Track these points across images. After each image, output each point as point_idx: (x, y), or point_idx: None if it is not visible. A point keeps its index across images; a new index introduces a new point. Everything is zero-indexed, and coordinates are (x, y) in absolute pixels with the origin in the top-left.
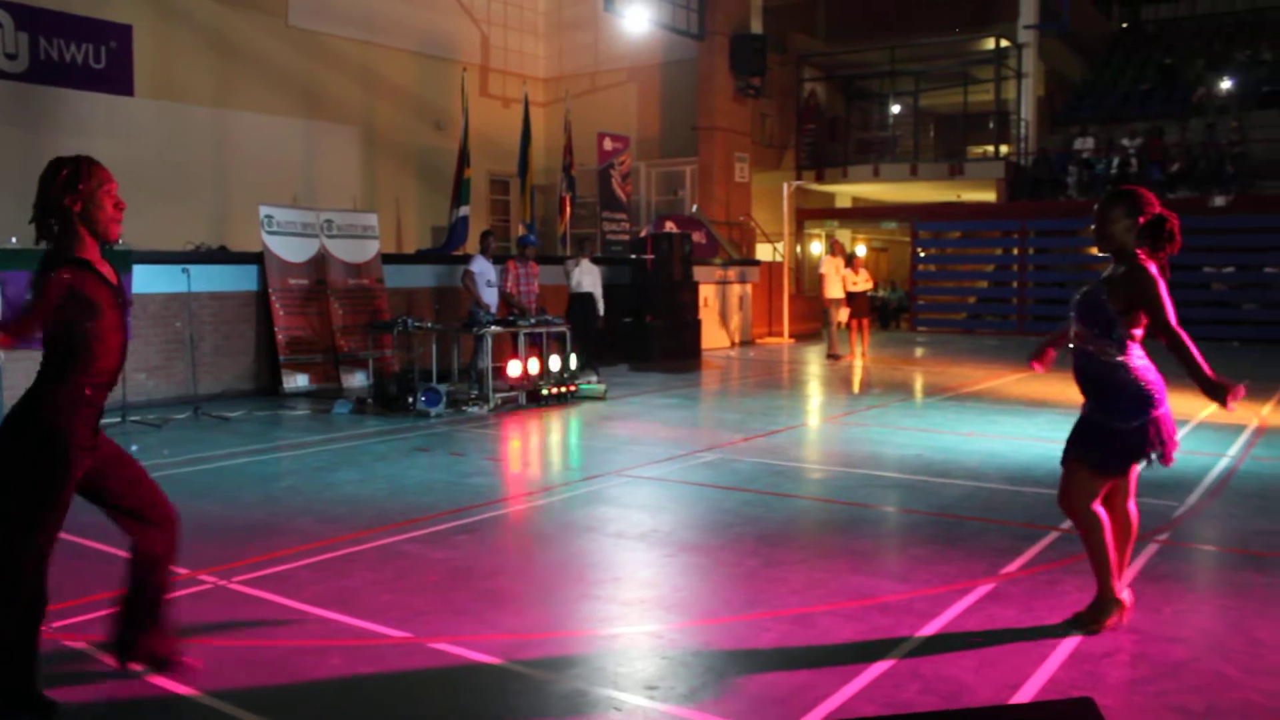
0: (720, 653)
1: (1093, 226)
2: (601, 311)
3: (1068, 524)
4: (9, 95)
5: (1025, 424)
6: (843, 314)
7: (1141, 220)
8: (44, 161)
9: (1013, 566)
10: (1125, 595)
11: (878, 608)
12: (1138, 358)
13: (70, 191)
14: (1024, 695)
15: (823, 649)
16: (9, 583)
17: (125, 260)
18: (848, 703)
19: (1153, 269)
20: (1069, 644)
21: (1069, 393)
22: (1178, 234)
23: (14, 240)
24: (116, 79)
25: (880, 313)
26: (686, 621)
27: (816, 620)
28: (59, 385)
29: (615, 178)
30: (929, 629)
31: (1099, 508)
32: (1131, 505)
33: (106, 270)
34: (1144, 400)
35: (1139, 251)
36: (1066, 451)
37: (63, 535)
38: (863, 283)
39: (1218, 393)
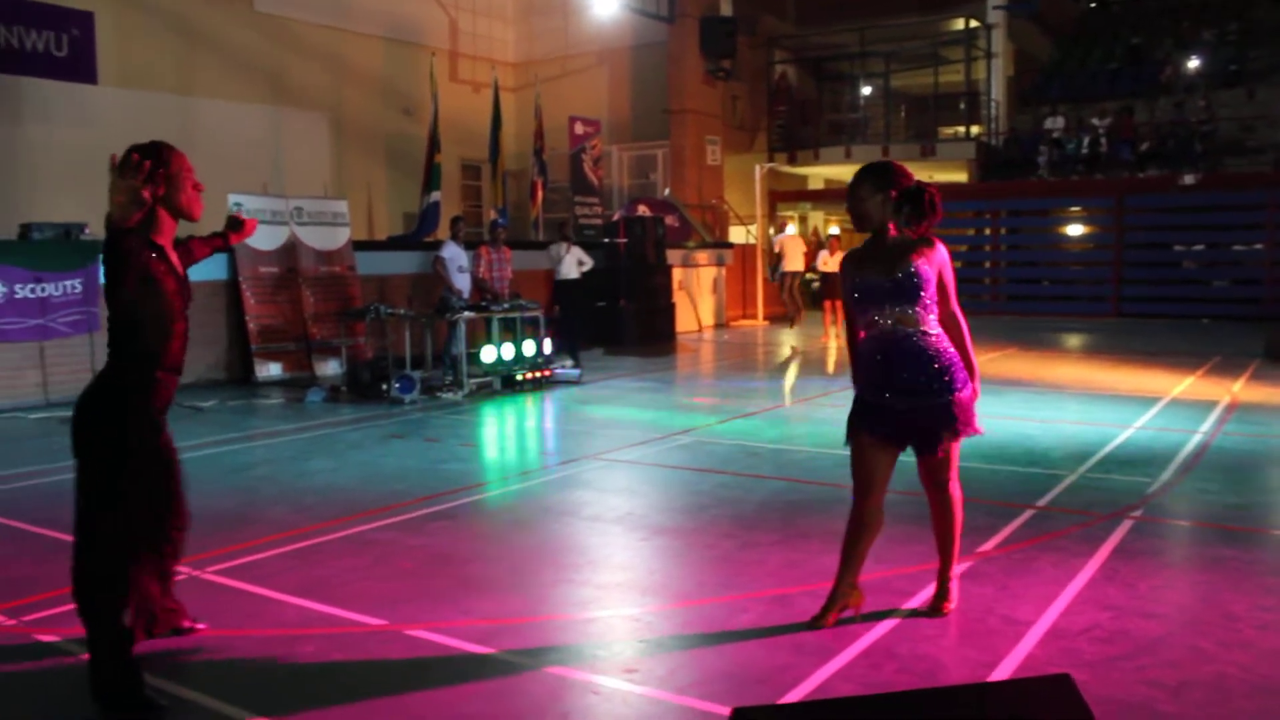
0: (698, 635)
1: (847, 206)
2: (589, 265)
3: (1043, 501)
4: None
5: (999, 403)
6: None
7: (894, 194)
8: (7, 152)
9: (988, 545)
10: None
11: None
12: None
13: (151, 178)
14: (1001, 673)
15: (800, 629)
16: (115, 572)
17: (92, 250)
18: (826, 683)
19: (947, 251)
20: (1045, 621)
21: (1040, 371)
22: (939, 204)
23: None
24: (79, 67)
25: None
26: (664, 604)
27: (794, 601)
28: (125, 368)
29: (587, 162)
30: (905, 608)
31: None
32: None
33: (174, 259)
34: (961, 368)
35: (901, 228)
36: (934, 442)
37: (38, 530)
38: (835, 264)
39: (977, 385)
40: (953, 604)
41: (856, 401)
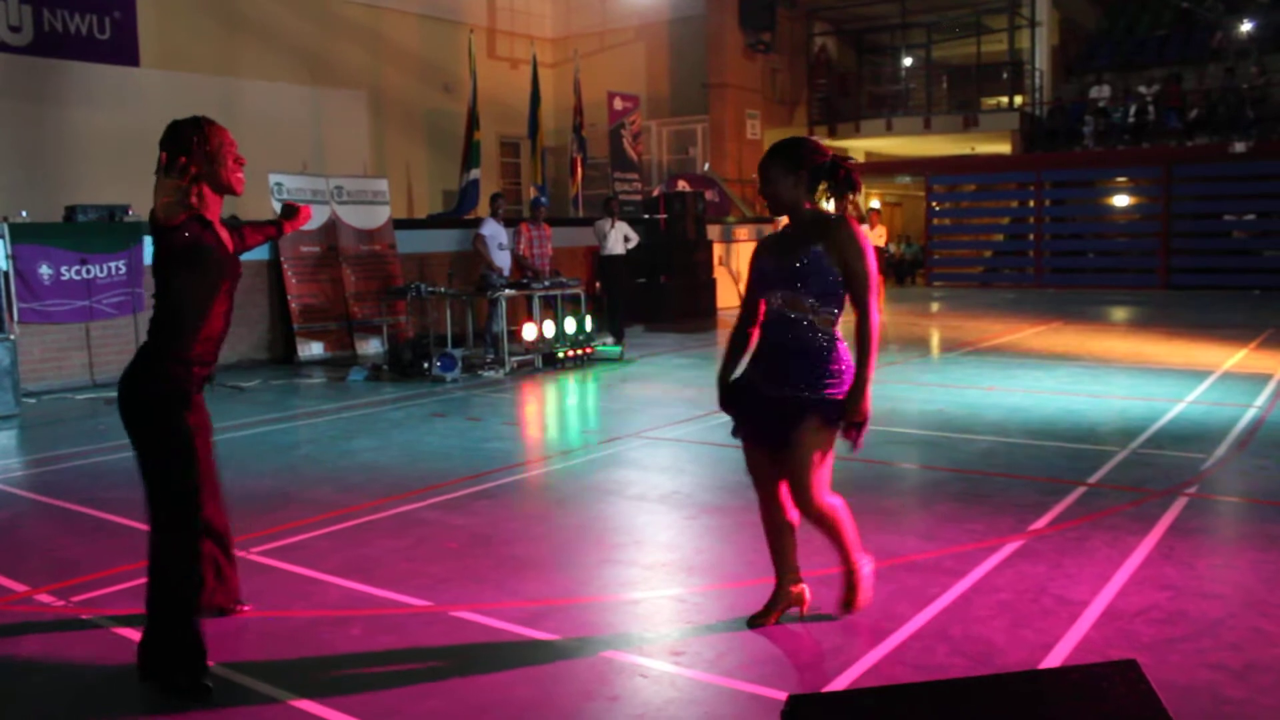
0: (746, 616)
1: (759, 190)
2: (634, 242)
3: (1094, 478)
4: (14, 69)
5: (1046, 377)
6: None
7: (804, 172)
8: (52, 135)
9: (1040, 523)
10: (805, 590)
11: (904, 567)
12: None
13: (197, 154)
14: (1057, 656)
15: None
16: (179, 546)
17: (135, 232)
18: (877, 665)
19: (861, 232)
20: (1101, 602)
21: (1087, 345)
22: (856, 179)
23: (24, 214)
24: (121, 49)
25: (896, 268)
26: (710, 585)
27: (843, 581)
28: (156, 346)
29: (626, 137)
30: (957, 588)
31: (829, 497)
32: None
33: (224, 234)
34: (843, 376)
35: (815, 208)
36: (773, 438)
37: (84, 509)
38: (876, 238)
39: (860, 396)
40: (861, 600)
41: (731, 388)
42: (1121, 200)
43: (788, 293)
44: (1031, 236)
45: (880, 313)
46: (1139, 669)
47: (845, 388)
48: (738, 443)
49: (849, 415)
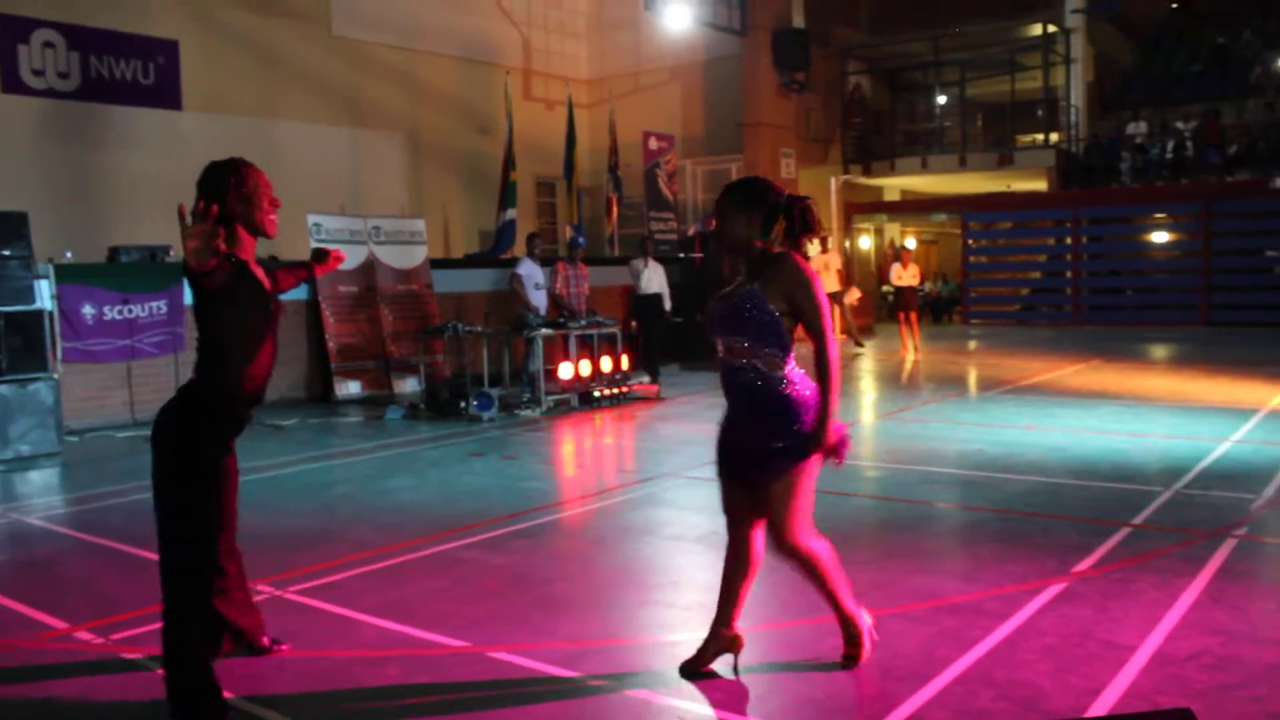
0: (785, 659)
1: (714, 230)
2: (669, 307)
3: (1139, 519)
4: (62, 114)
5: (1086, 416)
6: (848, 298)
7: (758, 212)
8: (96, 177)
9: (1084, 565)
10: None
11: (946, 609)
12: (794, 367)
13: (235, 194)
14: (1105, 702)
15: (891, 654)
16: (186, 585)
17: (176, 272)
18: (919, 711)
19: (808, 267)
20: (1150, 647)
21: (1127, 383)
22: (812, 218)
23: (69, 255)
24: (165, 93)
25: (932, 306)
26: (749, 627)
27: (883, 623)
28: (201, 386)
29: (661, 177)
30: (1000, 631)
31: (812, 540)
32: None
33: (260, 274)
34: (809, 408)
35: (772, 248)
36: (756, 493)
37: (124, 548)
38: (909, 277)
39: (823, 434)
40: (864, 656)
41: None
42: (1160, 237)
43: (726, 338)
44: (1069, 274)
45: (917, 350)
46: (1194, 718)
47: (807, 422)
48: None
49: (811, 449)
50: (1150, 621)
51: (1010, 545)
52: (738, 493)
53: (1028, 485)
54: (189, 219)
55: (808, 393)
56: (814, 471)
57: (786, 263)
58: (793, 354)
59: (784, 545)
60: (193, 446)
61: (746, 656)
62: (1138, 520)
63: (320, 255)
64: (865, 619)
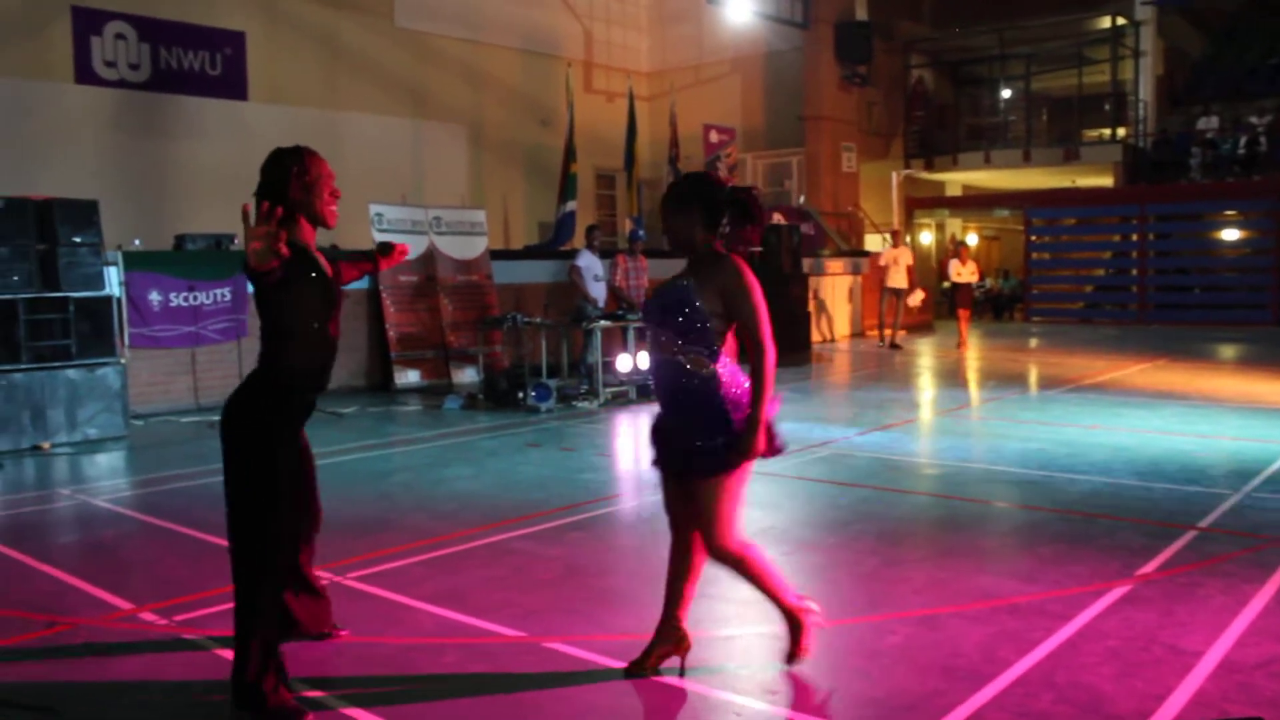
0: (843, 656)
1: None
2: None
3: (1205, 522)
4: (132, 104)
5: (1152, 416)
6: (911, 300)
7: (699, 206)
8: (164, 166)
9: (1149, 567)
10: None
11: (1006, 609)
12: (726, 365)
13: (297, 182)
14: (1170, 708)
15: (950, 653)
16: (261, 574)
17: (239, 261)
18: (978, 711)
19: (747, 270)
20: (1217, 653)
21: (1195, 383)
22: (755, 210)
23: (137, 242)
24: (231, 84)
25: (994, 303)
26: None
27: (943, 622)
28: (266, 374)
29: (722, 170)
30: (1062, 633)
31: (739, 541)
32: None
33: (321, 260)
34: (739, 407)
35: (717, 243)
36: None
37: (188, 531)
38: (968, 274)
39: (750, 441)
40: (807, 646)
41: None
42: (1231, 234)
43: (657, 331)
44: (1135, 271)
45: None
46: None
47: (736, 421)
48: (833, 478)
49: (737, 456)
50: (1218, 627)
51: (1072, 546)
52: (672, 489)
53: (1091, 485)
54: (252, 219)
55: (737, 391)
56: (743, 474)
57: (726, 265)
58: (723, 354)
59: (713, 545)
60: (261, 435)
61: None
62: (1205, 524)
63: (385, 248)
64: (813, 611)
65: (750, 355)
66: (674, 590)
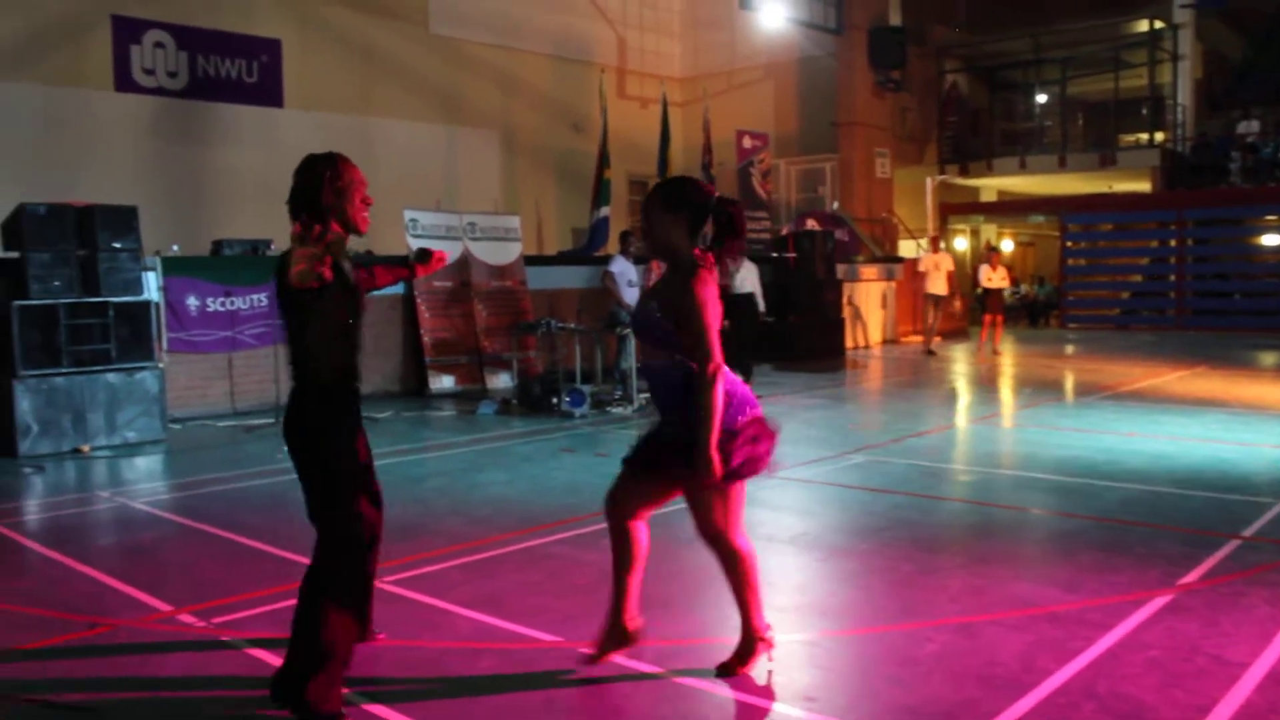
0: (880, 663)
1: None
2: (763, 309)
3: (1249, 531)
4: (170, 111)
5: (1191, 424)
6: (956, 304)
7: (684, 213)
8: (200, 174)
9: (1191, 576)
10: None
11: (1045, 618)
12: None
13: (329, 188)
14: None
15: (988, 661)
16: (340, 581)
17: (273, 265)
18: None
19: (705, 281)
20: (1264, 665)
21: (1235, 390)
22: (740, 222)
23: (175, 248)
24: (267, 91)
25: (1029, 309)
26: (842, 629)
27: (980, 630)
28: (303, 383)
29: (755, 176)
30: (1103, 643)
31: (740, 539)
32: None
33: (348, 270)
34: (730, 408)
35: (696, 251)
36: (670, 473)
37: (225, 534)
38: (999, 280)
39: (703, 463)
40: (748, 668)
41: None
42: (1272, 239)
43: (639, 338)
44: (1172, 277)
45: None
46: None
47: (731, 417)
48: (866, 484)
49: (698, 480)
50: (1263, 638)
51: (1112, 554)
52: (636, 482)
53: (1129, 493)
54: (298, 242)
55: (737, 392)
56: (733, 484)
57: (681, 278)
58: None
59: (715, 533)
60: (315, 439)
61: (842, 660)
62: (1248, 533)
63: (423, 255)
64: (769, 638)
65: (700, 368)
66: (619, 585)
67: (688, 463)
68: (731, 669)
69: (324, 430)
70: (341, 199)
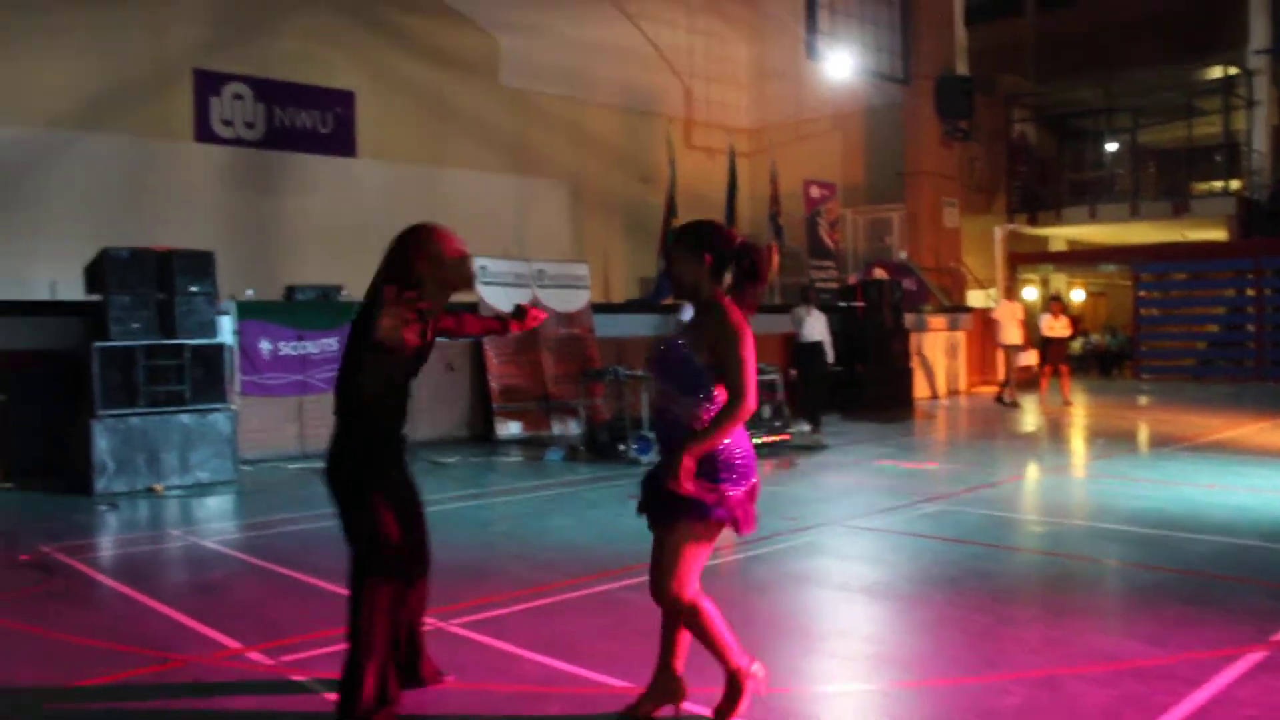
0: (959, 714)
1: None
2: (831, 359)
3: None
4: (247, 161)
5: (1275, 476)
6: (1025, 358)
7: (709, 258)
8: (275, 221)
9: None
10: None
11: (1131, 672)
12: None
13: (423, 256)
14: None
15: (1071, 715)
16: (372, 625)
17: (347, 312)
18: None
19: (737, 318)
20: None
21: None
22: (761, 269)
23: (250, 293)
24: (341, 142)
25: (1100, 360)
26: (917, 680)
27: (1063, 684)
28: (349, 427)
29: (823, 225)
30: (1193, 699)
31: (691, 592)
32: None
33: (428, 326)
34: (731, 470)
35: (718, 294)
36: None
37: (294, 574)
38: (1060, 329)
39: (676, 462)
40: (739, 708)
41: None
42: None
43: (656, 382)
44: (1251, 327)
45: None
46: None
47: (723, 486)
48: (940, 534)
49: (664, 477)
50: None
51: (1198, 608)
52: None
53: (1213, 546)
54: (390, 303)
55: (738, 451)
56: (713, 528)
57: (715, 312)
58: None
59: (662, 588)
60: (354, 486)
61: (912, 713)
62: None
63: (520, 313)
64: (757, 672)
65: (730, 401)
66: (667, 637)
67: (664, 510)
68: (721, 713)
69: (362, 478)
70: (436, 265)
